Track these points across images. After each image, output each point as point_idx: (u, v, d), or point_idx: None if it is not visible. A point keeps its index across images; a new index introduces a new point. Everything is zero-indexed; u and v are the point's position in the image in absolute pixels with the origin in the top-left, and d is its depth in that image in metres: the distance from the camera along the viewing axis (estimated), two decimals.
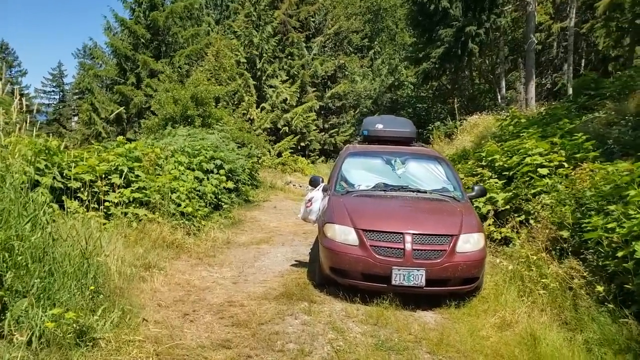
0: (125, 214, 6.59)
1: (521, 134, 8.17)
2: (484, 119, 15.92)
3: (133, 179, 7.05)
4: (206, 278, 5.53)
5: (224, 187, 9.74)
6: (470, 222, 5.04)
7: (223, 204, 9.45)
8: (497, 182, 7.13)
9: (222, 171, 9.64)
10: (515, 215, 6.40)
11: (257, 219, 9.58)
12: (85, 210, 5.99)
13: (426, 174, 6.00)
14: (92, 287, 3.65)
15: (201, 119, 15.99)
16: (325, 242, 5.03)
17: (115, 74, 23.10)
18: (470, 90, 28.21)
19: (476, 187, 5.99)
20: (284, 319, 4.32)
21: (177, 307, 4.48)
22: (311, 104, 23.83)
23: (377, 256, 4.65)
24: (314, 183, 6.13)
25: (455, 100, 20.53)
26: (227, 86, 19.53)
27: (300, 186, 16.58)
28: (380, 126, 7.00)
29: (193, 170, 8.94)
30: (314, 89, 25.16)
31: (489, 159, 7.57)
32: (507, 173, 7.25)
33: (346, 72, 27.30)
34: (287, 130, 22.75)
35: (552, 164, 6.58)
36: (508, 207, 6.56)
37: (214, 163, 9.73)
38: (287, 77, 24.01)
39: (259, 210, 10.85)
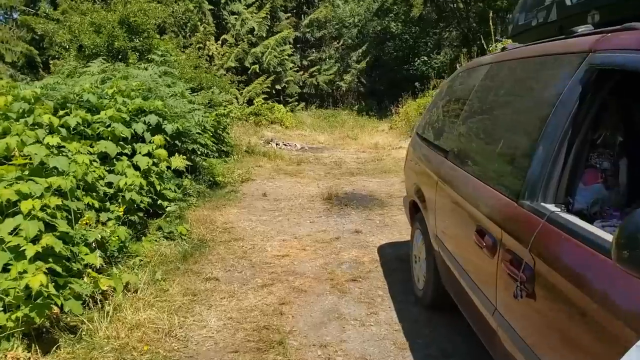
0: None
1: None
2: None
3: None
4: None
5: (167, 168, 5.02)
6: None
7: (165, 203, 4.76)
8: None
9: (156, 138, 4.81)
10: None
11: (238, 233, 4.88)
12: None
13: None
14: None
15: (137, 54, 11.02)
16: None
17: (20, 1, 17.20)
18: (465, 16, 23.40)
19: None
20: None
21: None
22: (286, 33, 18.54)
23: None
24: None
25: (492, 16, 15.17)
26: (172, 5, 14.20)
27: (286, 145, 11.83)
28: None
29: (94, 139, 4.19)
30: (288, 15, 19.78)
31: None
32: None
33: None
34: (257, 70, 17.59)
35: None
36: None
37: (143, 121, 4.95)
38: (253, 0, 18.54)
39: (236, 204, 6.01)
